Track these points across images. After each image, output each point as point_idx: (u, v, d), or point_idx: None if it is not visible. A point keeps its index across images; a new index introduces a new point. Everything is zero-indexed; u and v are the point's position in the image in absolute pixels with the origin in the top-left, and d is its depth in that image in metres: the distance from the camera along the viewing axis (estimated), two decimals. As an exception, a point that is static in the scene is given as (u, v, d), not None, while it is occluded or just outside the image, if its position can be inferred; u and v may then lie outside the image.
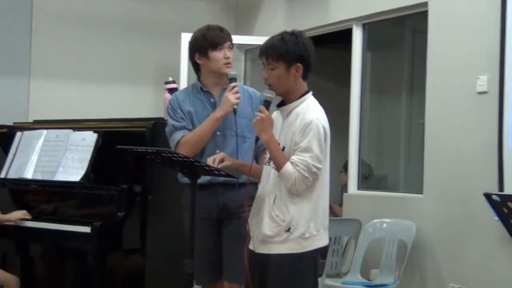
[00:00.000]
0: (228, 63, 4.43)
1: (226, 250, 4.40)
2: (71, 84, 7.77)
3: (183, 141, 4.31)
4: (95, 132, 5.69)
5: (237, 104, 4.32)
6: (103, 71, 7.92)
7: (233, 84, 4.36)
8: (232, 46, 4.49)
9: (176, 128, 4.37)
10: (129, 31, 8.03)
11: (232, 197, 4.35)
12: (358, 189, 7.00)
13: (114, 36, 7.96)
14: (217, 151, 4.23)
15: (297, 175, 3.66)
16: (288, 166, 3.68)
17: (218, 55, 4.41)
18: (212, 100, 4.45)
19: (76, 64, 7.78)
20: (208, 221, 4.36)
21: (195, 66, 4.55)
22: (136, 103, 7.81)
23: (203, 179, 4.08)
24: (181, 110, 4.41)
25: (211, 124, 4.31)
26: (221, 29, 4.50)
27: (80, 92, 7.77)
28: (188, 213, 3.98)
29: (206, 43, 4.41)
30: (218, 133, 4.36)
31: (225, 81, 4.46)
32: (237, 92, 4.33)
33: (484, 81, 5.49)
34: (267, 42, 3.86)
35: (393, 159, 7.49)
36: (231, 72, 4.42)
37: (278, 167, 3.72)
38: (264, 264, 3.76)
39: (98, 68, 7.90)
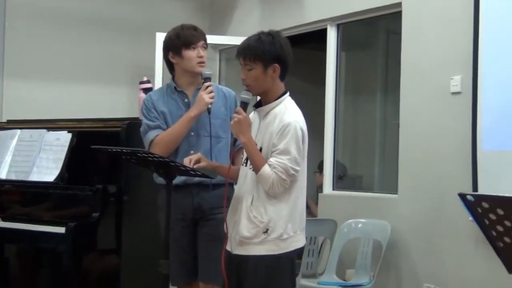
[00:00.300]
0: (202, 62, 4.42)
1: (201, 251, 4.39)
2: (45, 84, 7.72)
3: (157, 140, 4.30)
4: (69, 132, 5.66)
5: (211, 103, 4.31)
6: (77, 70, 7.88)
7: (207, 83, 4.36)
8: (206, 45, 4.49)
9: (150, 128, 4.36)
10: (104, 30, 8.00)
11: (206, 198, 4.35)
12: (333, 189, 7.02)
13: (89, 36, 7.92)
14: (191, 151, 4.23)
15: (275, 177, 3.66)
16: (266, 168, 3.68)
17: (191, 54, 4.40)
18: (186, 100, 4.44)
19: (50, 63, 7.74)
20: (183, 221, 4.35)
21: (169, 65, 4.55)
22: (111, 103, 7.78)
23: (178, 179, 4.07)
24: (155, 110, 4.40)
25: (185, 124, 4.30)
26: (195, 28, 4.50)
27: (54, 91, 7.73)
28: (164, 214, 3.96)
29: (179, 42, 4.41)
30: (192, 133, 4.36)
31: (199, 81, 4.46)
32: (211, 92, 4.33)
33: (458, 81, 5.53)
34: (244, 43, 3.85)
35: (368, 159, 7.52)
36: (206, 71, 4.42)
37: (256, 169, 3.71)
38: (242, 266, 3.76)
39: (72, 68, 7.85)
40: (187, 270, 4.41)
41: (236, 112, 3.78)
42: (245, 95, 3.82)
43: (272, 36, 3.82)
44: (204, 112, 4.31)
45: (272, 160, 3.69)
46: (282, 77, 3.83)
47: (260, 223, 3.71)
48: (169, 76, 4.60)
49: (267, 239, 3.71)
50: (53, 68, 7.75)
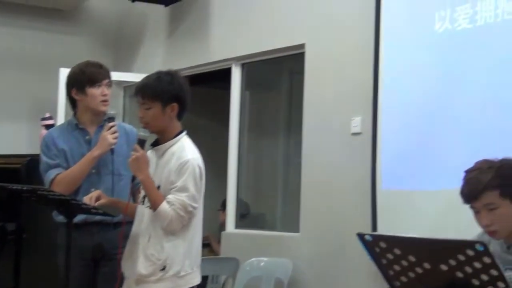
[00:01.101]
0: (105, 101, 4.38)
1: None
2: None
3: (57, 179, 4.22)
4: (-33, 168, 5.55)
5: (114, 144, 4.28)
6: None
7: (111, 123, 4.32)
8: (110, 83, 4.45)
9: (50, 166, 4.28)
10: (6, 64, 7.86)
11: (107, 237, 4.29)
12: (236, 227, 7.03)
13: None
14: (92, 189, 4.18)
15: (173, 214, 3.69)
16: (164, 205, 3.70)
17: (95, 92, 4.35)
18: (87, 137, 4.38)
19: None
20: (83, 261, 4.26)
21: (72, 102, 4.47)
22: (12, 138, 7.63)
23: (78, 218, 4.02)
24: (55, 148, 4.32)
25: (87, 163, 4.25)
26: (100, 66, 4.45)
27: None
28: (63, 253, 3.91)
29: (84, 78, 4.35)
30: (94, 171, 4.30)
31: (101, 119, 4.41)
32: (115, 132, 4.29)
33: (358, 122, 5.64)
34: (142, 81, 3.89)
35: (270, 197, 7.56)
36: (110, 111, 4.39)
37: (155, 206, 3.73)
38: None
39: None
40: (87, 310, 4.34)
41: (134, 150, 3.80)
42: (143, 133, 3.85)
43: (171, 75, 3.88)
44: (107, 152, 4.28)
45: (170, 197, 3.72)
46: (179, 117, 3.89)
47: (158, 260, 3.73)
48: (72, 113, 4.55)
49: (164, 277, 3.73)
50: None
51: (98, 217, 4.14)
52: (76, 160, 4.28)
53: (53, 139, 4.36)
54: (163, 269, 3.73)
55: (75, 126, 4.41)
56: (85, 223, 4.22)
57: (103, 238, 4.30)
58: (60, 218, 4.12)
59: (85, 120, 4.42)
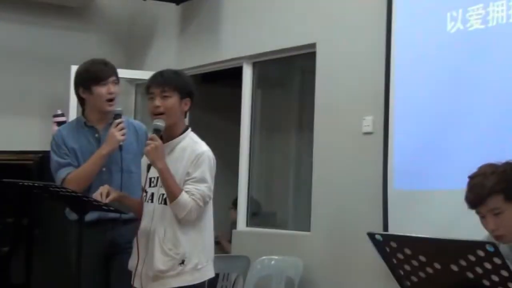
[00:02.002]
0: (111, 100, 4.33)
1: (114, 285, 4.33)
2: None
3: (68, 178, 4.21)
4: (-20, 164, 5.57)
5: (123, 140, 4.25)
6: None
7: (118, 120, 4.28)
8: (117, 81, 4.40)
9: (61, 165, 4.26)
10: (19, 62, 7.88)
11: (120, 232, 4.28)
12: (247, 226, 7.04)
13: (2, 67, 7.79)
14: (103, 186, 4.17)
15: (193, 204, 3.72)
16: (184, 195, 3.71)
17: (101, 90, 4.30)
18: (96, 135, 4.37)
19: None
20: (96, 257, 4.26)
21: (80, 100, 4.46)
22: (24, 135, 7.65)
23: (92, 216, 4.03)
24: (66, 146, 4.31)
25: (97, 162, 4.23)
26: (105, 63, 4.41)
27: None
28: (76, 249, 3.92)
29: (89, 77, 4.32)
30: (104, 169, 4.29)
31: (109, 116, 4.37)
32: (122, 129, 4.26)
33: (370, 122, 5.64)
34: (160, 74, 3.89)
35: (282, 196, 7.57)
36: (116, 108, 4.35)
37: (173, 196, 3.71)
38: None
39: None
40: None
41: (150, 139, 3.77)
42: (158, 123, 3.81)
43: (183, 73, 3.97)
44: (116, 149, 4.25)
45: (189, 187, 3.73)
46: (186, 114, 3.91)
47: (176, 254, 3.74)
48: (84, 109, 4.54)
49: (184, 270, 3.75)
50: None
51: (111, 214, 4.13)
52: (86, 158, 4.27)
53: (63, 138, 4.34)
54: (182, 262, 3.74)
55: (84, 124, 4.40)
56: (99, 221, 4.22)
57: (118, 233, 4.29)
58: (73, 216, 4.11)
59: (93, 118, 4.40)
